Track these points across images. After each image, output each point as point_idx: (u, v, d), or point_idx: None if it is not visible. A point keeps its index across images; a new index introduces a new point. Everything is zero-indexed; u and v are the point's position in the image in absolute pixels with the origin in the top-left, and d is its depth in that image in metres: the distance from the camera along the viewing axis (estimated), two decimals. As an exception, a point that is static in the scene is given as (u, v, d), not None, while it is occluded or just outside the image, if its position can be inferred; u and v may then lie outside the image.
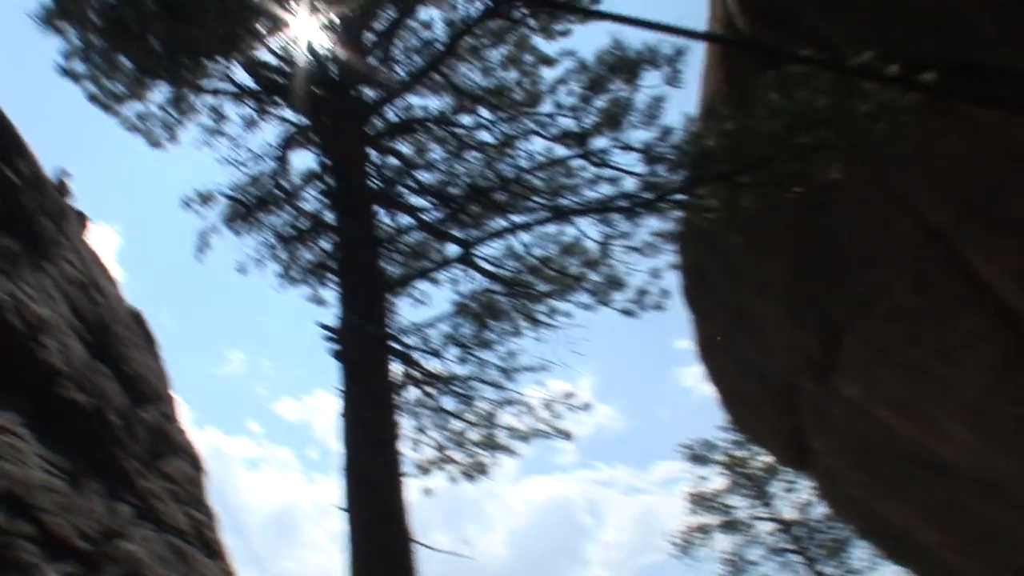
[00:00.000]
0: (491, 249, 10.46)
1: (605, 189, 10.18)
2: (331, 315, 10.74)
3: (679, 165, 9.41)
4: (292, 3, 9.46)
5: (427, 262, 10.94)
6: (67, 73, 9.93)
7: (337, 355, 9.22)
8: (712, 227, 9.22)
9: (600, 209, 9.90)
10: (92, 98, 10.10)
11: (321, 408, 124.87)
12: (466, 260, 10.15)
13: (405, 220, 10.54)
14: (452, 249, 10.62)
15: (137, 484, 9.41)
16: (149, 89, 10.18)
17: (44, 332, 8.16)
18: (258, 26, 9.37)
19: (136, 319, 11.00)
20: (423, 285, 10.85)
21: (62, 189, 10.07)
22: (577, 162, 10.15)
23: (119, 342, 10.00)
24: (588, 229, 10.36)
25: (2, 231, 8.19)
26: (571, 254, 10.79)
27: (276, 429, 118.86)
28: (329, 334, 9.52)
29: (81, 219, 10.39)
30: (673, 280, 11.18)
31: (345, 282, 9.57)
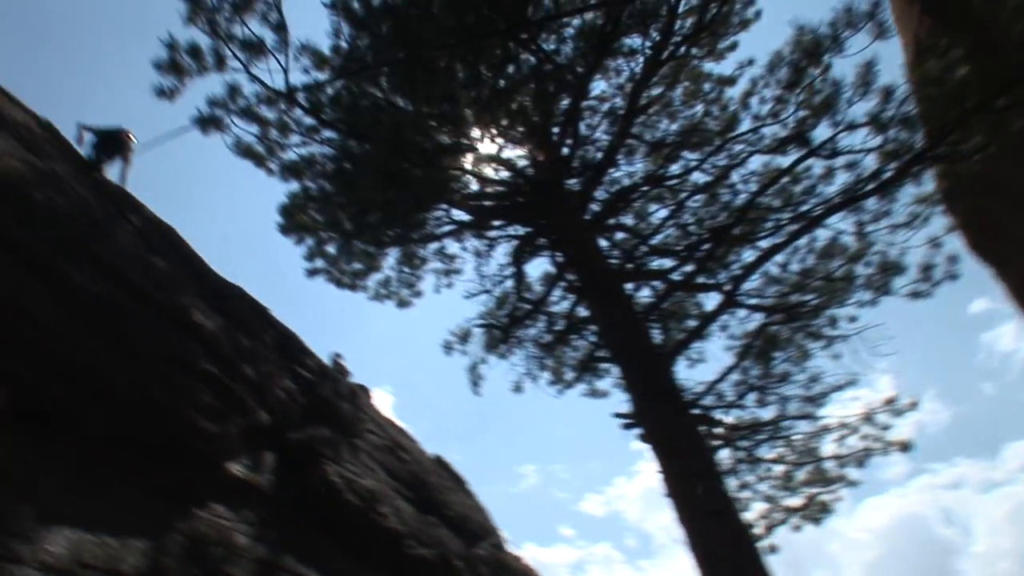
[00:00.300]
0: (749, 283, 9.95)
1: (844, 178, 9.52)
2: (618, 403, 10.71)
3: (917, 120, 8.60)
4: (477, 131, 9.91)
5: (692, 319, 10.65)
6: (312, 273, 10.99)
7: (644, 438, 9.04)
8: (983, 168, 8.25)
9: (846, 200, 9.21)
10: (339, 283, 11.06)
11: (624, 495, 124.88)
12: (730, 303, 9.71)
13: (656, 286, 10.34)
14: (712, 298, 10.31)
15: (497, 620, 9.61)
16: (382, 258, 11.00)
17: (377, 501, 8.63)
18: (458, 164, 9.87)
19: (441, 464, 11.55)
20: (696, 343, 10.46)
21: (341, 370, 10.92)
22: (804, 163, 9.56)
23: (436, 491, 10.43)
24: (840, 225, 9.73)
25: (315, 422, 8.84)
26: (831, 256, 10.08)
27: (588, 527, 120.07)
28: (627, 421, 9.40)
29: (364, 391, 11.18)
30: (955, 241, 10.04)
31: (623, 366, 9.48)
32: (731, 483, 10.16)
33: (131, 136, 9.37)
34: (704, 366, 11.11)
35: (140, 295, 6.18)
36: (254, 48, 9.08)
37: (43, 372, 4.68)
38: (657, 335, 10.39)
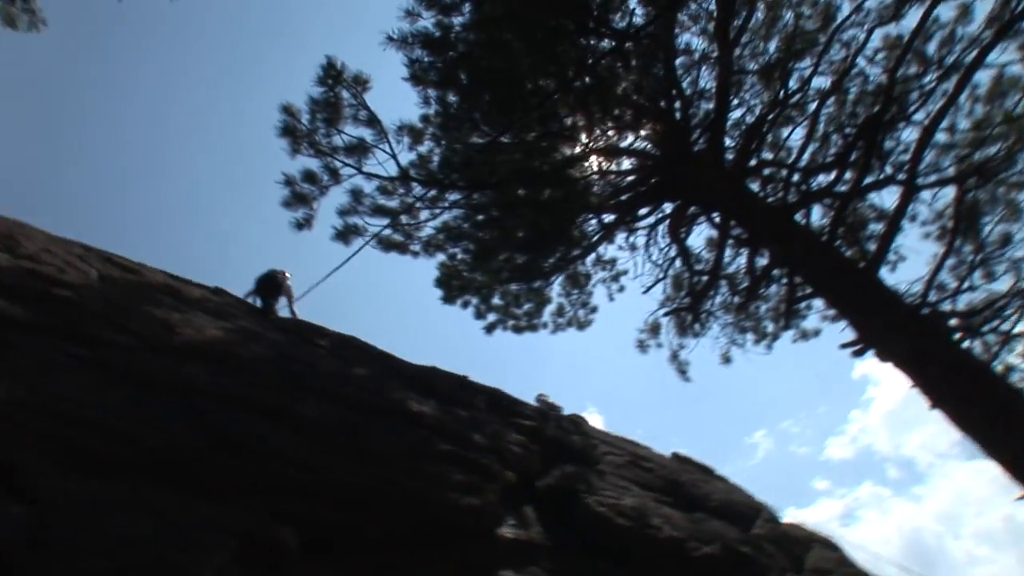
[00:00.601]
0: (923, 163, 9.14)
1: (985, 7, 8.67)
2: (834, 336, 10.10)
3: None
4: (589, 134, 9.78)
5: (877, 223, 9.95)
6: (490, 328, 11.16)
7: (881, 358, 8.46)
8: None
9: (999, 30, 8.32)
10: (517, 329, 11.16)
11: (867, 428, 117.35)
12: (911, 191, 8.95)
13: (827, 203, 9.74)
14: (889, 193, 9.60)
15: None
16: (548, 289, 11.02)
17: (646, 516, 8.45)
18: (586, 171, 9.76)
19: (682, 460, 11.27)
20: (892, 244, 9.69)
21: (551, 407, 10.92)
22: (931, 15, 8.77)
23: (691, 487, 10.15)
24: (1001, 58, 8.86)
25: (555, 464, 8.81)
26: (1002, 96, 9.17)
27: (842, 473, 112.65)
28: (856, 347, 8.85)
29: (581, 419, 11.13)
30: None
31: (828, 296, 8.95)
32: (996, 370, 9.26)
33: (285, 274, 9.97)
34: (908, 264, 10.28)
35: (358, 405, 6.49)
36: (358, 149, 9.47)
37: (308, 501, 4.92)
38: (848, 252, 9.75)
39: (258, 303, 9.83)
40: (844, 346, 8.92)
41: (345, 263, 9.04)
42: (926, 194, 9.47)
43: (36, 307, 5.35)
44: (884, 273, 9.74)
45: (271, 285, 9.91)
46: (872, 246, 9.38)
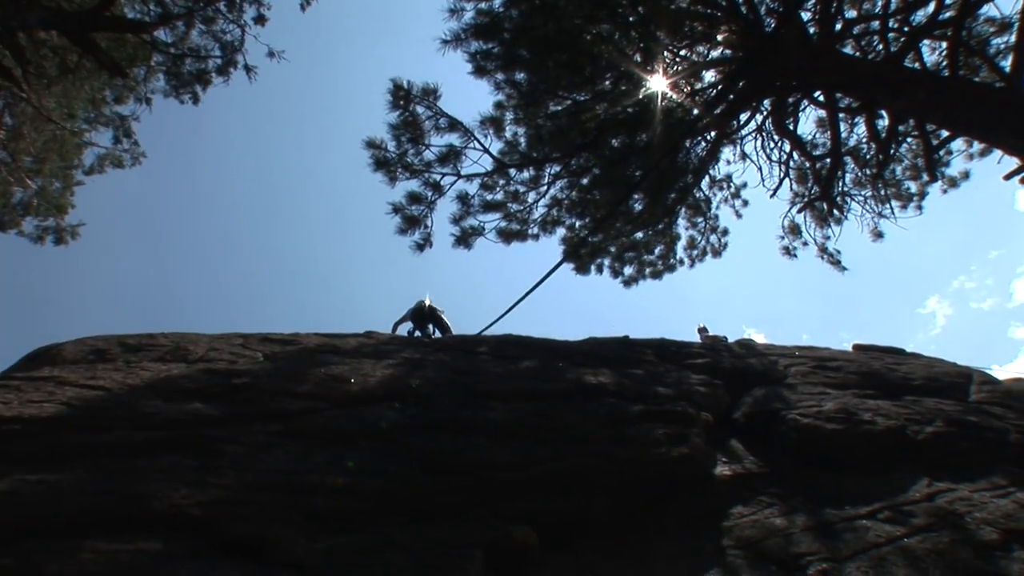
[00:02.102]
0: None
1: None
2: (985, 172, 9.32)
3: None
4: (663, 64, 9.50)
5: (1003, 37, 9.03)
6: (629, 282, 11.06)
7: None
8: None
9: None
10: (656, 275, 11.04)
11: None
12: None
13: (937, 35, 8.96)
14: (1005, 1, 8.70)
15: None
16: (673, 227, 10.81)
17: (854, 414, 8.08)
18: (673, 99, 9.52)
19: (868, 349, 10.70)
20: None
21: (715, 340, 10.70)
22: None
23: (888, 372, 9.62)
24: None
25: (743, 391, 8.58)
26: None
27: None
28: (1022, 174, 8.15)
29: (750, 341, 10.86)
30: None
31: (973, 132, 8.28)
32: None
33: (427, 301, 10.37)
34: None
35: (539, 395, 6.61)
36: (450, 155, 9.59)
37: (528, 497, 5.03)
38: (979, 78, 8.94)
39: (418, 334, 10.30)
40: (1008, 176, 8.24)
41: (545, 279, 9.11)
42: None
43: (225, 400, 5.75)
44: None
45: (419, 315, 10.36)
46: (1006, 61, 8.54)
